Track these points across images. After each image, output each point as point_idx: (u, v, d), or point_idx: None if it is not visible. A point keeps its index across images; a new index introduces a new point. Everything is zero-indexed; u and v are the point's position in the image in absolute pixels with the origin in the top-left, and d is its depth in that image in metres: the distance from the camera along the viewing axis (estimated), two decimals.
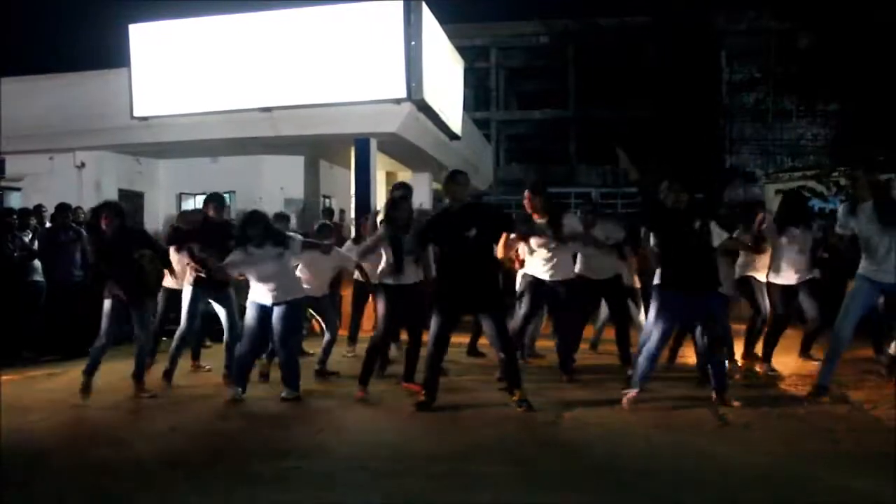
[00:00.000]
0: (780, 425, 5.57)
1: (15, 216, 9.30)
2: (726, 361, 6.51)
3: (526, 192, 6.93)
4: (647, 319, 6.31)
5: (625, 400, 5.99)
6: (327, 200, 15.59)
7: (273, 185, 14.58)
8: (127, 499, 4.18)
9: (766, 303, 7.68)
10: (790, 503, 3.95)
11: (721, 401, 5.96)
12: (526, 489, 4.21)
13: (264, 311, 6.58)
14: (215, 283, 7.15)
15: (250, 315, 6.64)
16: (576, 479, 4.38)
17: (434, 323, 6.13)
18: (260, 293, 6.61)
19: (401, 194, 7.02)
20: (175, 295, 7.59)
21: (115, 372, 7.16)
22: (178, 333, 7.36)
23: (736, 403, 5.93)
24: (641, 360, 6.09)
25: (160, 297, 7.76)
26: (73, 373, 8.08)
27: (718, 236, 6.24)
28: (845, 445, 5.00)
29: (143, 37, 13.30)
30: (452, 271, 6.09)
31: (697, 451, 4.90)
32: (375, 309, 6.86)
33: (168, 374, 7.27)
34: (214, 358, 7.62)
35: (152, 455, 5.01)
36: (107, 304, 6.73)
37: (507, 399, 6.07)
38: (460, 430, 5.56)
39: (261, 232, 6.54)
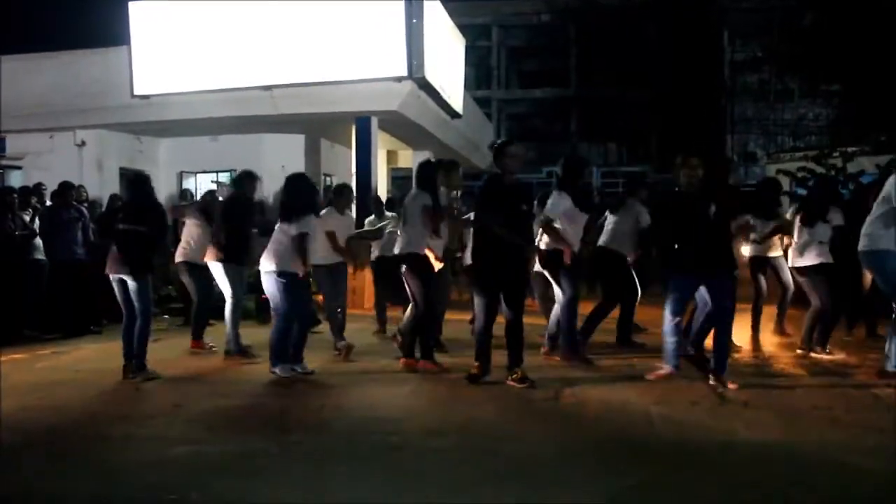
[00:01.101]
0: (778, 403, 5.60)
1: (15, 195, 9.30)
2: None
3: None
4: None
5: (652, 375, 6.06)
6: (328, 179, 15.58)
7: (274, 164, 14.53)
8: (130, 475, 4.22)
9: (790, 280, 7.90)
10: (788, 480, 3.98)
11: (719, 382, 5.95)
12: (526, 464, 4.25)
13: (299, 280, 6.64)
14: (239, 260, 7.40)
15: (290, 286, 6.57)
16: (575, 455, 4.42)
17: (483, 299, 6.19)
18: (296, 263, 6.59)
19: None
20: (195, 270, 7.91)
21: (118, 349, 7.18)
22: (232, 306, 7.44)
23: (732, 386, 5.90)
24: (665, 338, 6.12)
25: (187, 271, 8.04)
26: (77, 352, 8.15)
27: None
28: (844, 423, 5.04)
29: (143, 14, 13.24)
30: (501, 247, 6.09)
31: (697, 428, 4.94)
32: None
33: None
34: (218, 336, 7.67)
35: (155, 432, 5.07)
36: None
37: (507, 375, 6.12)
38: (461, 405, 5.59)
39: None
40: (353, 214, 8.91)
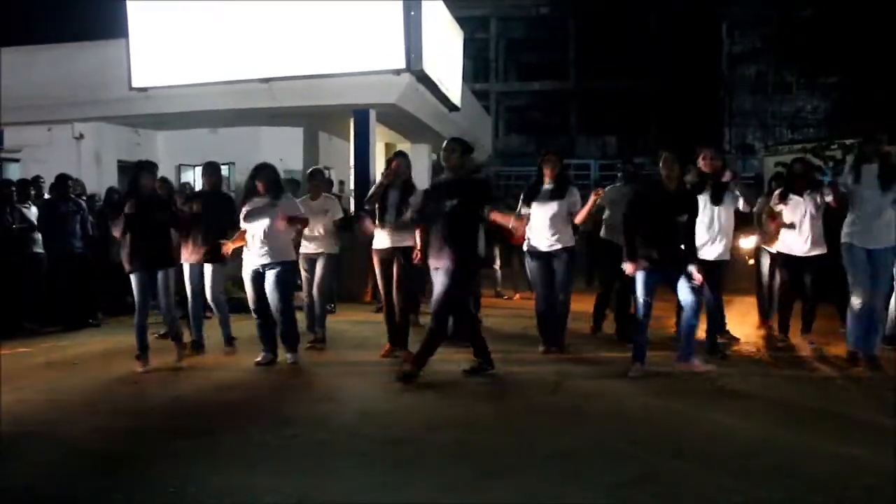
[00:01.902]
0: (778, 396, 5.61)
1: (13, 188, 9.28)
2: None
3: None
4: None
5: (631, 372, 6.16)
6: (326, 172, 15.51)
7: (272, 157, 14.39)
8: (129, 467, 4.23)
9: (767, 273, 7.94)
10: (789, 474, 3.99)
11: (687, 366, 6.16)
12: (525, 458, 4.26)
13: (258, 274, 6.74)
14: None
15: (248, 283, 6.83)
16: (573, 449, 4.43)
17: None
18: (254, 256, 6.72)
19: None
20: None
21: (117, 343, 7.20)
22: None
23: (704, 368, 6.09)
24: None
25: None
26: (76, 345, 8.15)
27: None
28: (843, 416, 5.04)
29: (141, 6, 13.18)
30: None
31: (695, 422, 4.95)
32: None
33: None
34: (215, 329, 7.66)
35: (154, 424, 5.07)
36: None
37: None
38: (461, 399, 5.60)
39: (271, 178, 6.78)
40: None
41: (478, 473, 4.01)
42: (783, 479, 3.89)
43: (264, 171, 6.84)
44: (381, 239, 6.99)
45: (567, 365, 6.67)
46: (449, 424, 4.92)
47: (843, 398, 5.50)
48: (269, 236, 6.69)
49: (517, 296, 11.33)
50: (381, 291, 7.15)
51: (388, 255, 6.96)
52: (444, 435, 4.69)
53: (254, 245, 6.72)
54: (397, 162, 7.06)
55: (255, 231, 6.72)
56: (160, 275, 6.72)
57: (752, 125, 30.45)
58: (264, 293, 6.75)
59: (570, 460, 4.23)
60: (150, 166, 6.99)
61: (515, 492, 3.79)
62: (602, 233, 7.90)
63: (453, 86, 15.04)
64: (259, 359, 6.82)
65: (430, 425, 4.91)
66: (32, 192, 9.59)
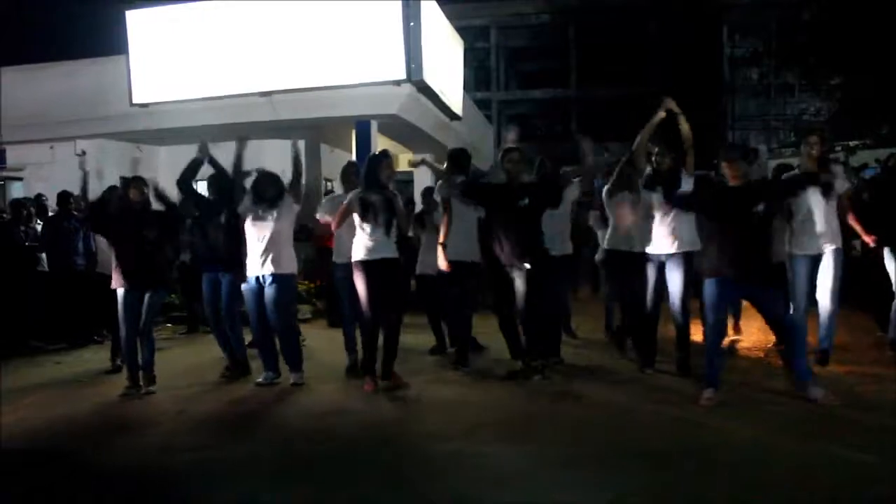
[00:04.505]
0: (780, 401, 5.55)
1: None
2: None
3: None
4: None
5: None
6: (329, 184, 15.55)
7: (274, 169, 14.48)
8: (134, 482, 4.21)
9: None
10: (792, 481, 3.96)
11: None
12: (529, 468, 4.23)
13: (258, 285, 6.55)
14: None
15: (248, 294, 6.64)
16: (578, 458, 4.40)
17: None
18: (254, 265, 6.51)
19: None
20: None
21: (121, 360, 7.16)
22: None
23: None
24: None
25: None
26: (81, 362, 8.15)
27: None
28: (846, 421, 4.99)
29: (141, 22, 13.24)
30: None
31: (698, 429, 4.91)
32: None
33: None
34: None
35: (159, 440, 5.06)
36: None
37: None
38: (465, 410, 5.56)
39: (275, 192, 6.75)
40: None
41: (480, 484, 3.99)
42: (791, 487, 3.85)
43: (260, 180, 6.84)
44: (365, 249, 6.19)
45: (571, 372, 6.63)
46: (451, 435, 4.89)
47: (847, 403, 5.44)
48: (272, 245, 6.49)
49: None
50: (366, 310, 6.22)
51: (374, 268, 6.14)
52: (447, 445, 4.66)
53: (255, 254, 6.51)
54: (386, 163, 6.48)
55: (257, 239, 6.55)
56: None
57: (755, 128, 30.44)
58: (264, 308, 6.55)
59: (574, 469, 4.20)
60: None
61: (519, 502, 3.75)
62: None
63: (454, 95, 15.06)
64: (260, 379, 6.62)
65: (432, 437, 4.88)
66: (34, 211, 9.64)
